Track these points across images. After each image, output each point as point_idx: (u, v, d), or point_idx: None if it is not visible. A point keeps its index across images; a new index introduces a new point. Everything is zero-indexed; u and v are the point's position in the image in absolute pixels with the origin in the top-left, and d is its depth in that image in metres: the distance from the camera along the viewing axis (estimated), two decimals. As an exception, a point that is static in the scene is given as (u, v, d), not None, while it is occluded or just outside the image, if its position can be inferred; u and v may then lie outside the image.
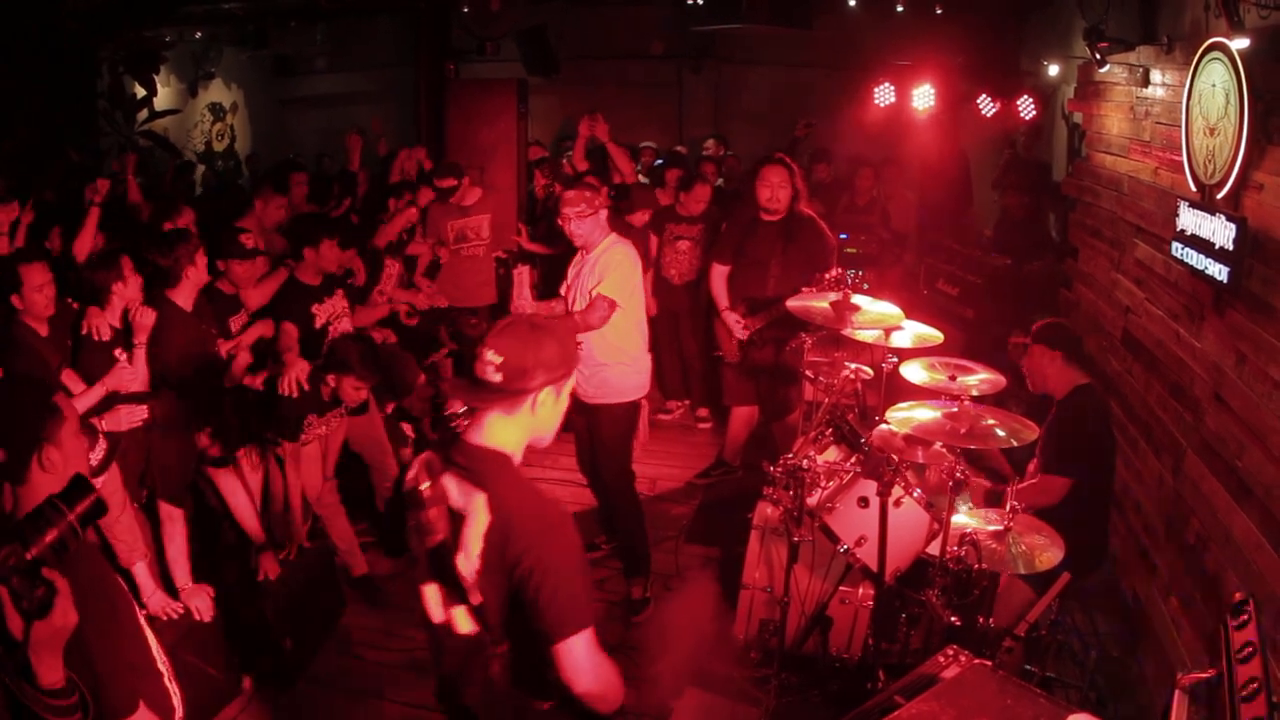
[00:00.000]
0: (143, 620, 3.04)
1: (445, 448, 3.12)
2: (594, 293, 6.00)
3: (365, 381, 6.05)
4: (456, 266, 8.91)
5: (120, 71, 13.52)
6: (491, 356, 2.97)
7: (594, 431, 6.31)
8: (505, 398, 3.00)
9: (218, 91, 16.61)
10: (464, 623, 3.03)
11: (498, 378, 2.96)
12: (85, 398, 5.16)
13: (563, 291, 6.27)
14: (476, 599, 2.97)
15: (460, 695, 3.20)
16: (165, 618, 5.13)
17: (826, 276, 6.56)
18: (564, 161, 11.00)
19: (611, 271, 6.03)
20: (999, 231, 10.40)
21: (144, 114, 14.16)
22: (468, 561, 2.95)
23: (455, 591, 3.01)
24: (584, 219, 5.99)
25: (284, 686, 5.66)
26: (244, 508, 5.81)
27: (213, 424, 5.49)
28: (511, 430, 3.06)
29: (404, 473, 3.20)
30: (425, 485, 2.99)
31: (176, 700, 3.11)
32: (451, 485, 3.02)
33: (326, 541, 6.46)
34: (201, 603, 5.34)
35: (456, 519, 2.98)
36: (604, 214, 6.12)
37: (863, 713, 3.22)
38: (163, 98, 14.70)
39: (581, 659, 2.96)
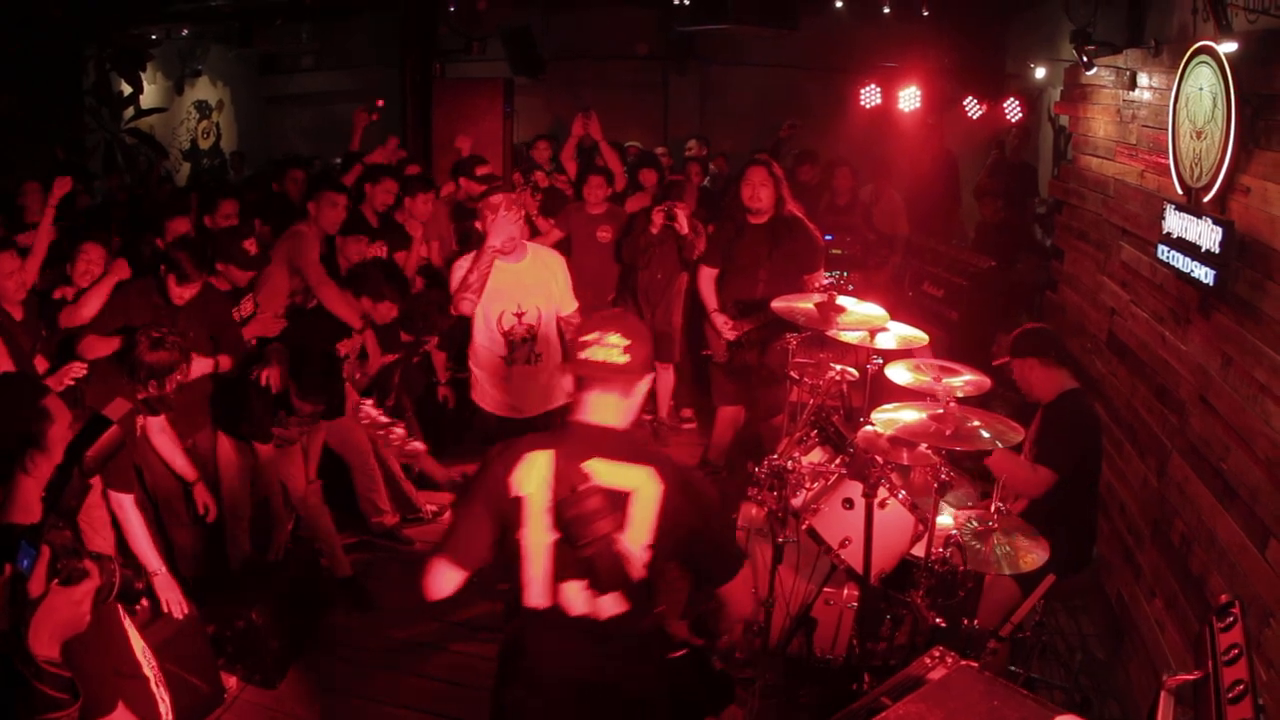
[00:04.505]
0: (128, 625, 3.03)
1: (559, 436, 3.28)
2: (558, 297, 6.04)
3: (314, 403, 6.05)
4: None
5: (107, 69, 13.48)
6: (618, 340, 3.18)
7: None
8: (631, 380, 3.24)
9: (204, 89, 16.57)
10: (612, 607, 3.18)
11: (626, 358, 3.18)
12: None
13: (462, 290, 5.87)
14: (641, 575, 3.16)
15: (600, 675, 3.31)
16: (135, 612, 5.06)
17: (815, 281, 6.56)
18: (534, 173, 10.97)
19: (564, 275, 6.10)
20: (979, 235, 10.44)
21: (130, 111, 14.12)
22: (638, 537, 3.13)
23: (608, 579, 3.12)
24: (520, 223, 5.90)
25: (268, 686, 5.64)
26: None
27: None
28: (623, 412, 3.29)
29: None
30: (582, 485, 3.06)
31: (164, 706, 3.11)
32: (600, 466, 3.14)
33: (311, 543, 6.44)
34: (173, 596, 5.26)
35: (618, 499, 3.10)
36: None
37: (849, 714, 3.21)
38: (149, 95, 14.67)
39: (746, 590, 3.46)
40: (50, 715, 2.47)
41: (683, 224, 7.95)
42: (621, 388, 3.23)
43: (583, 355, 3.21)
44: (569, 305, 6.12)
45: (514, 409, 6.05)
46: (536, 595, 3.20)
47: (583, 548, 3.02)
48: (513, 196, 5.93)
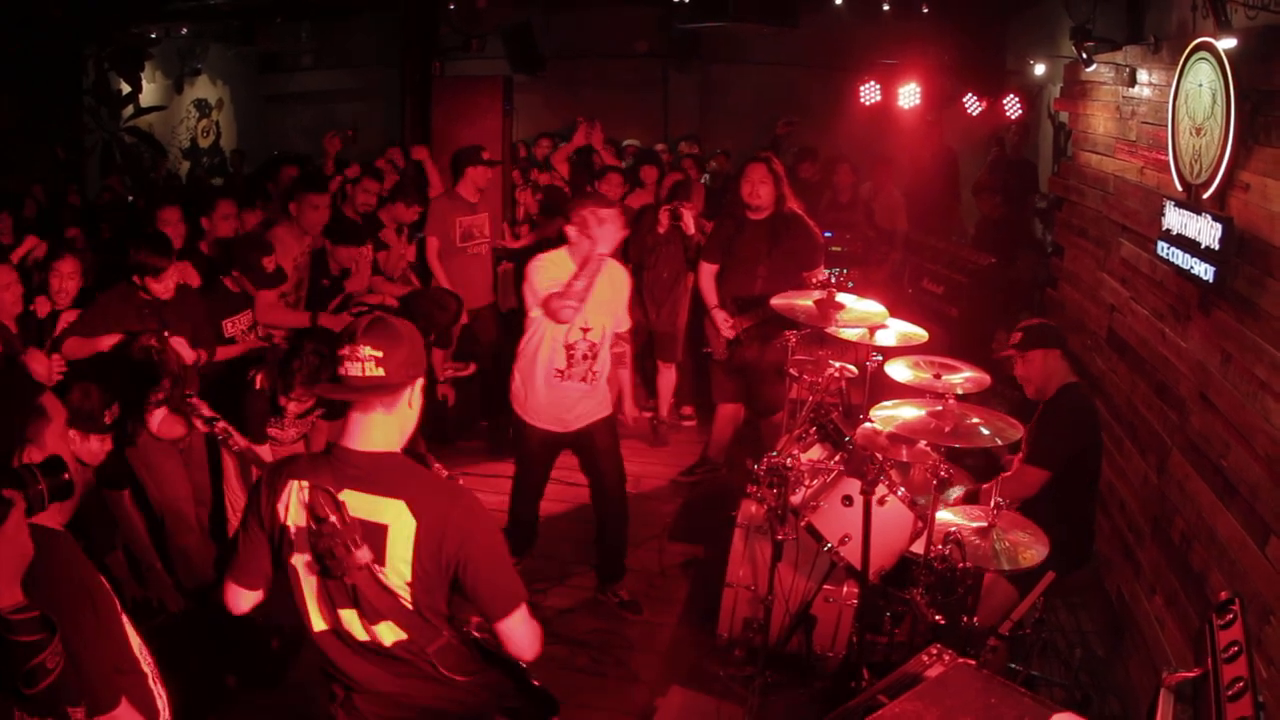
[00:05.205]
0: (126, 621, 3.02)
1: (320, 464, 3.08)
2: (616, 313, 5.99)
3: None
4: (465, 266, 8.53)
5: (106, 68, 13.46)
6: (370, 352, 2.97)
7: (597, 447, 6.12)
8: (387, 394, 3.03)
9: (203, 88, 16.56)
10: (390, 634, 3.07)
11: (380, 372, 2.98)
12: None
13: (565, 296, 5.67)
14: (410, 606, 3.03)
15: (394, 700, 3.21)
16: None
17: (814, 278, 6.54)
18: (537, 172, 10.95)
19: (627, 292, 6.07)
20: (979, 232, 10.44)
21: (129, 110, 14.10)
22: (398, 571, 2.99)
23: (378, 608, 3.01)
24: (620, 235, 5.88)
25: (268, 686, 5.63)
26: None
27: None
28: (392, 429, 3.10)
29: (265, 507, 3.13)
30: (332, 517, 2.90)
31: (162, 702, 3.09)
32: (354, 499, 2.98)
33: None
34: (168, 593, 5.26)
35: (374, 532, 2.97)
36: None
37: (846, 711, 3.22)
38: (148, 94, 14.66)
39: (525, 631, 3.15)
40: (35, 660, 2.46)
41: (689, 224, 7.94)
42: (384, 403, 3.04)
43: (339, 371, 3.02)
44: (625, 323, 6.10)
45: (560, 423, 5.99)
46: (317, 620, 3.14)
47: (342, 578, 2.94)
48: (617, 208, 5.85)
